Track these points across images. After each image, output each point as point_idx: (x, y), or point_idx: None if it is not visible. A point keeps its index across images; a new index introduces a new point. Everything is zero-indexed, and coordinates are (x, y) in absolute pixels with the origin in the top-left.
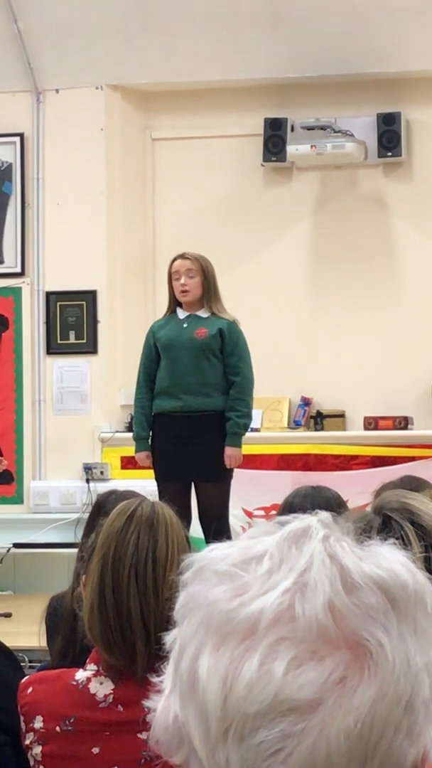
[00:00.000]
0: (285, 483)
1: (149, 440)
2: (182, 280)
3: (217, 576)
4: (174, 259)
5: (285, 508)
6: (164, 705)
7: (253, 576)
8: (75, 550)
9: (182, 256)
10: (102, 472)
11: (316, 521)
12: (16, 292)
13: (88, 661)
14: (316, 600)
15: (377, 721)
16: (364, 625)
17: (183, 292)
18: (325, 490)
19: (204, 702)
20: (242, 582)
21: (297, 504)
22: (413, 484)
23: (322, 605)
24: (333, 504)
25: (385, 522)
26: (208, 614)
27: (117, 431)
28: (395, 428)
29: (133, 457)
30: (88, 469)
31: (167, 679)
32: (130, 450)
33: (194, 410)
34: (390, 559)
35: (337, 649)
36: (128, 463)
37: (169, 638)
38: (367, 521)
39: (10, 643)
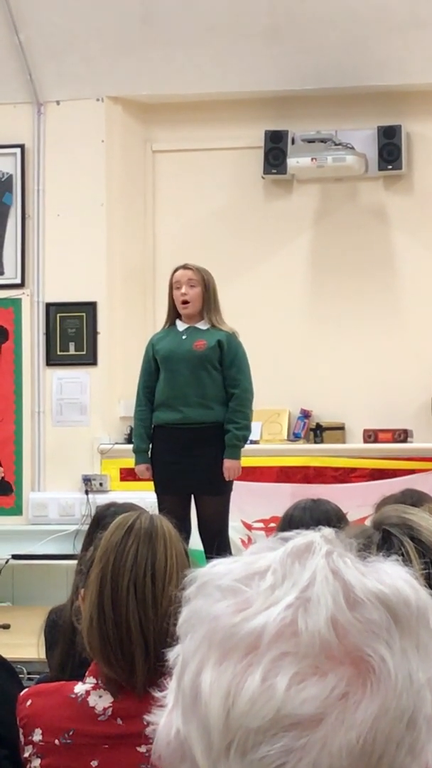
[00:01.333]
0: (284, 495)
1: (149, 453)
2: (183, 290)
3: (220, 591)
4: (175, 270)
5: (285, 521)
6: (167, 720)
7: (256, 591)
8: (74, 562)
9: (184, 267)
10: (101, 484)
11: (319, 537)
12: (16, 303)
13: (87, 674)
14: (319, 615)
15: (379, 737)
16: (367, 641)
17: (184, 303)
18: (325, 503)
19: (206, 717)
20: (245, 597)
21: (297, 517)
22: (414, 497)
23: (324, 621)
24: (332, 517)
25: (384, 537)
26: (211, 629)
27: (116, 443)
28: (395, 441)
29: (132, 469)
30: (87, 480)
31: (170, 694)
32: (129, 462)
33: (194, 422)
34: (393, 575)
35: (339, 665)
36: (127, 474)
37: (172, 654)
38: (367, 536)
39: (9, 654)
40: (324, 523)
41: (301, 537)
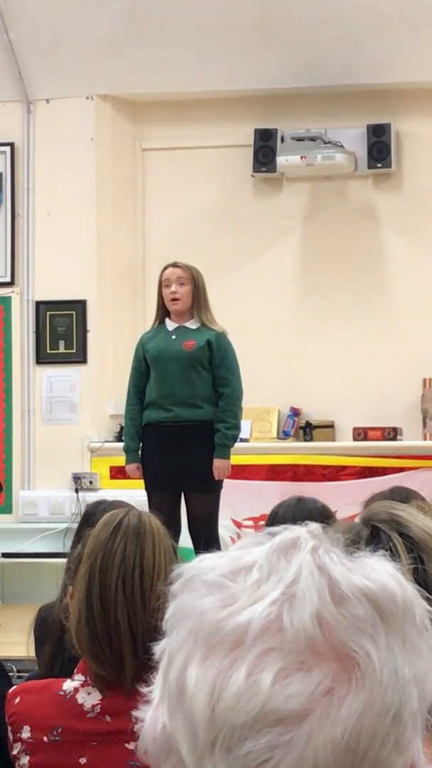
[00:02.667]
0: (274, 493)
1: (139, 452)
2: (173, 287)
3: (206, 586)
4: (165, 268)
5: (271, 520)
6: (152, 715)
7: (242, 587)
8: (64, 560)
9: (173, 265)
10: (91, 482)
11: (306, 532)
12: (6, 301)
13: (75, 671)
14: (304, 611)
15: (364, 732)
16: (352, 637)
17: (173, 300)
18: (310, 501)
19: (192, 712)
20: (231, 592)
21: (281, 515)
22: (402, 494)
23: (310, 616)
24: (316, 515)
25: (373, 533)
26: (196, 624)
27: (106, 441)
28: (384, 439)
29: (122, 467)
30: (77, 478)
31: (156, 689)
32: (119, 460)
33: (184, 421)
34: (379, 571)
35: (324, 660)
36: (117, 472)
37: (158, 648)
38: (356, 532)
39: None
40: (308, 521)
41: (287, 532)
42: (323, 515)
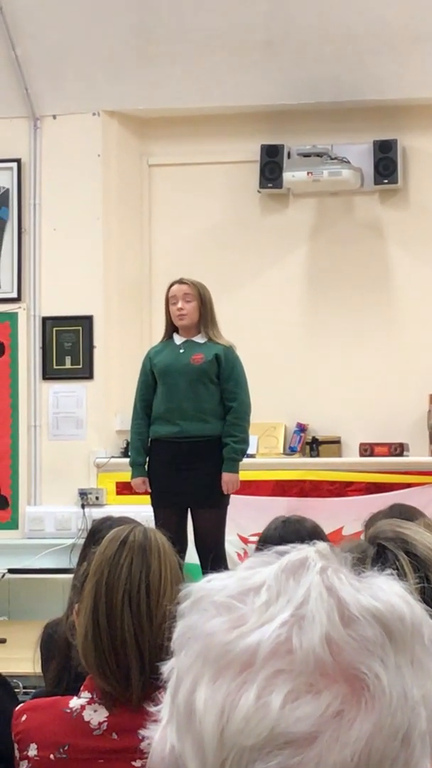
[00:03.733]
0: (280, 509)
1: (146, 466)
2: (179, 305)
3: (215, 607)
4: (171, 285)
5: (260, 542)
6: (161, 735)
7: (251, 608)
8: (70, 576)
9: (180, 282)
10: (97, 498)
11: (314, 552)
12: (13, 317)
13: (82, 688)
14: (314, 633)
15: (374, 754)
16: (361, 659)
17: (180, 316)
18: (296, 522)
19: (201, 734)
20: (240, 614)
21: (269, 537)
22: (402, 511)
23: (319, 638)
24: (305, 535)
25: (379, 552)
26: (205, 646)
27: (112, 456)
28: (391, 455)
29: (128, 483)
30: (83, 494)
31: (164, 709)
32: (125, 475)
33: (191, 436)
34: (387, 591)
35: (334, 683)
36: (124, 488)
37: (166, 668)
38: (362, 551)
39: (5, 669)
40: (296, 542)
41: (295, 552)
42: (312, 535)
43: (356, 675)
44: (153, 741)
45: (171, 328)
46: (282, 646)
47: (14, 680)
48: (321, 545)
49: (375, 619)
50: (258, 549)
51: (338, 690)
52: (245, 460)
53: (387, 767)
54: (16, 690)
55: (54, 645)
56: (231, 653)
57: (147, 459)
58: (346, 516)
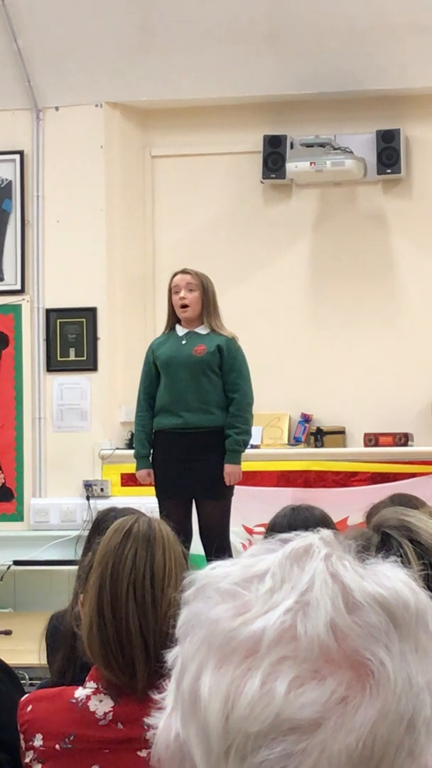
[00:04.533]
0: (285, 500)
1: (150, 458)
2: (182, 294)
3: (219, 594)
4: (174, 274)
5: (268, 530)
6: (166, 723)
7: (255, 595)
8: (75, 568)
9: (183, 271)
10: (102, 489)
11: (318, 539)
12: (16, 309)
13: (87, 678)
14: (318, 619)
15: (379, 740)
16: (366, 645)
17: (183, 306)
18: (305, 510)
19: (206, 721)
20: (244, 601)
21: (277, 525)
22: (404, 502)
23: (324, 625)
24: (313, 523)
25: (384, 539)
26: (210, 633)
27: (117, 448)
28: (395, 445)
29: (133, 474)
30: (88, 486)
31: (169, 696)
32: (130, 467)
33: (194, 427)
34: (392, 578)
35: (338, 669)
36: (128, 480)
37: (171, 655)
38: (366, 539)
39: (10, 660)
40: (303, 530)
41: (300, 539)
42: (321, 523)
43: (361, 661)
44: (158, 729)
45: (173, 319)
46: (286, 633)
47: (20, 671)
48: (325, 532)
49: (380, 605)
50: (266, 537)
51: (343, 676)
52: (250, 451)
53: (392, 753)
54: (21, 681)
55: (59, 636)
56: (235, 640)
57: (151, 451)
58: (351, 506)
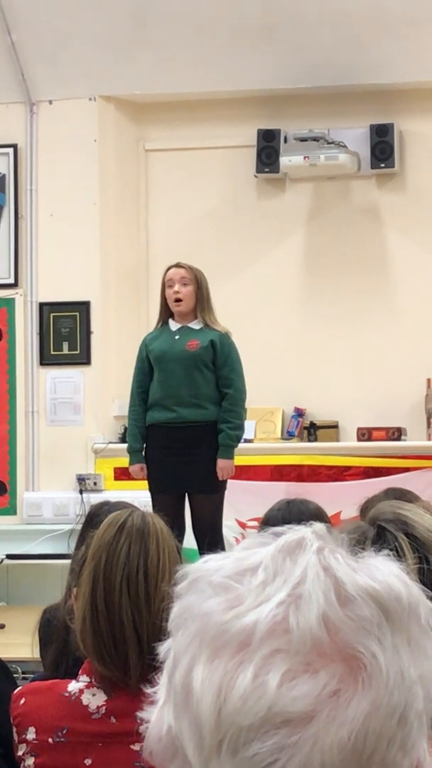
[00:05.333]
0: (278, 494)
1: (143, 452)
2: (176, 288)
3: (212, 587)
4: (168, 268)
5: (263, 523)
6: (158, 716)
7: (248, 588)
8: (68, 562)
9: (177, 265)
10: (95, 483)
11: (311, 533)
12: (10, 303)
13: (80, 672)
14: (311, 612)
15: (371, 733)
16: (358, 638)
17: (176, 300)
18: (300, 503)
19: (198, 714)
20: (237, 594)
21: (272, 518)
22: (398, 496)
23: (316, 618)
24: (308, 517)
25: (379, 533)
26: (202, 626)
27: (110, 442)
28: (389, 439)
29: (126, 468)
30: (81, 480)
31: (161, 689)
32: (123, 461)
33: (188, 422)
34: (384, 571)
35: (331, 662)
36: (122, 474)
37: (163, 648)
38: (362, 532)
39: (3, 654)
40: (297, 524)
41: (292, 532)
42: (316, 516)
43: (353, 654)
44: (150, 721)
45: (166, 313)
46: (279, 626)
47: (13, 665)
48: (318, 526)
49: (372, 598)
50: (260, 530)
51: (335, 669)
52: (243, 445)
53: (384, 746)
54: (15, 675)
55: (52, 630)
56: (228, 633)
57: (144, 445)
58: (344, 500)
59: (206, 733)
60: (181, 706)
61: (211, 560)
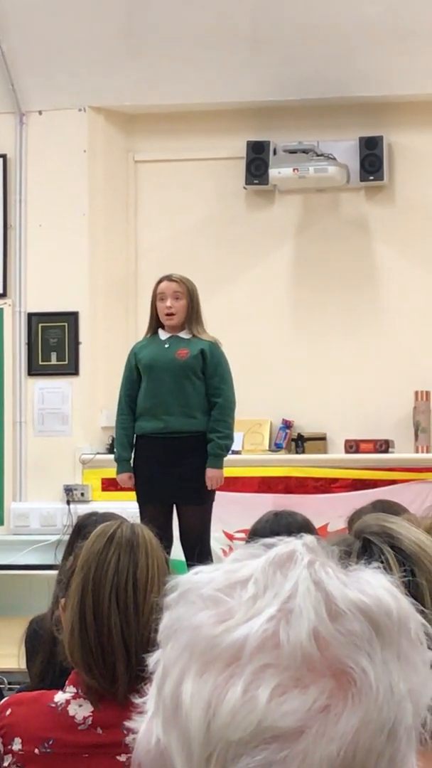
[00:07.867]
0: (266, 506)
1: (131, 461)
2: (168, 302)
3: (202, 600)
4: (160, 281)
5: (250, 535)
6: (146, 728)
7: (238, 601)
8: (55, 572)
9: (169, 278)
10: (83, 494)
11: (301, 545)
12: None
13: (67, 683)
14: (301, 627)
15: (360, 749)
16: (348, 653)
17: (168, 315)
18: (288, 515)
19: (187, 728)
20: (227, 607)
21: (260, 530)
22: (386, 508)
23: (306, 633)
24: (296, 529)
25: (365, 546)
26: (192, 639)
27: (98, 453)
28: (376, 451)
29: (114, 479)
30: (68, 490)
31: (150, 701)
32: (111, 472)
33: (176, 431)
34: (374, 585)
35: (321, 677)
36: (109, 484)
37: (152, 659)
38: (348, 545)
39: None
40: (285, 535)
41: (283, 545)
42: (303, 529)
43: (343, 669)
44: (138, 732)
45: (156, 324)
46: (269, 641)
47: None
48: (308, 538)
49: (362, 613)
50: (248, 542)
51: (325, 685)
52: (231, 457)
53: (373, 762)
54: (1, 686)
55: (39, 641)
56: (218, 647)
57: (132, 454)
58: (331, 512)
59: (195, 747)
60: (170, 719)
61: (202, 572)
